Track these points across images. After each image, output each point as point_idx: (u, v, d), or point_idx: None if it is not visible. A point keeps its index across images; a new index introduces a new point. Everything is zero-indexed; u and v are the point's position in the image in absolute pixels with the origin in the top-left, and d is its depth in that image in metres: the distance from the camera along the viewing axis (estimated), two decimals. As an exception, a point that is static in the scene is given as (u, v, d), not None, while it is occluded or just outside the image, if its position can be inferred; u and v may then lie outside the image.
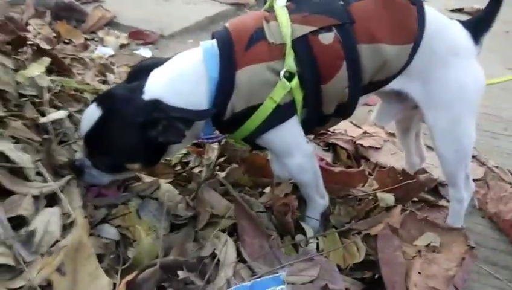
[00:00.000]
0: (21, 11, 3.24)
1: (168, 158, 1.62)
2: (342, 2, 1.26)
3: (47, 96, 1.62)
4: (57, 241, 1.08)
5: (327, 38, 1.23)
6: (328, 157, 2.00)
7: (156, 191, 1.38)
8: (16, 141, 1.37)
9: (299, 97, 1.25)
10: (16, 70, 1.71)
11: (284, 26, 1.22)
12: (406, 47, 1.27)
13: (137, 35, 3.26)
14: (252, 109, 1.24)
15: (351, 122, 2.19)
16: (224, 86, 1.22)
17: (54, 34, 2.90)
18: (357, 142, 2.05)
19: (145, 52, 2.95)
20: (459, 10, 4.77)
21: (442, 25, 1.37)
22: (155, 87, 1.20)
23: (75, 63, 2.24)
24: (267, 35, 1.23)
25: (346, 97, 1.29)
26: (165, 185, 1.42)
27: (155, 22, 3.52)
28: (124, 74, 2.31)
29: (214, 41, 1.28)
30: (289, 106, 1.24)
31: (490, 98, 2.79)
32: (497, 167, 2.05)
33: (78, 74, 2.14)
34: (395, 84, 1.37)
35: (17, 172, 1.23)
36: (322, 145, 2.09)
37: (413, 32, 1.26)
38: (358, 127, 2.16)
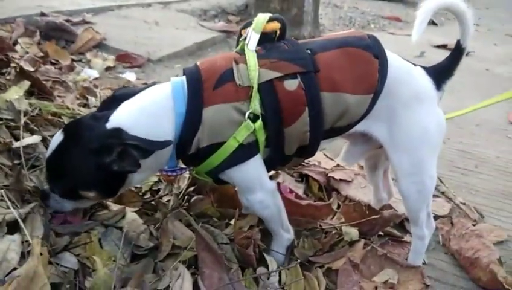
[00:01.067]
0: (11, 29, 3.29)
1: (138, 186, 1.65)
2: (309, 51, 1.32)
3: (22, 120, 1.65)
4: (14, 269, 1.10)
5: (291, 84, 1.28)
6: (300, 188, 2.03)
7: (121, 220, 1.40)
8: (-14, 165, 1.41)
9: (261, 138, 1.29)
10: (-5, 94, 1.75)
11: (252, 70, 1.27)
12: (366, 97, 1.33)
13: (125, 58, 3.31)
14: (216, 146, 1.27)
15: (325, 155, 2.24)
16: (191, 121, 1.26)
17: (42, 54, 2.95)
18: (329, 174, 2.09)
19: (130, 76, 2.98)
20: (444, 46, 4.88)
21: (406, 72, 1.42)
22: (120, 117, 1.24)
23: (57, 85, 2.28)
24: (236, 77, 1.28)
25: (307, 140, 1.33)
26: (131, 214, 1.44)
27: (144, 45, 3.58)
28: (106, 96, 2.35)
29: (184, 77, 1.32)
30: (252, 146, 1.29)
31: (464, 134, 2.88)
32: (464, 203, 2.10)
33: (59, 96, 2.18)
34: (359, 126, 1.42)
35: (-17, 198, 1.26)
36: (295, 176, 2.13)
37: (374, 85, 1.33)
38: (331, 159, 2.21)
